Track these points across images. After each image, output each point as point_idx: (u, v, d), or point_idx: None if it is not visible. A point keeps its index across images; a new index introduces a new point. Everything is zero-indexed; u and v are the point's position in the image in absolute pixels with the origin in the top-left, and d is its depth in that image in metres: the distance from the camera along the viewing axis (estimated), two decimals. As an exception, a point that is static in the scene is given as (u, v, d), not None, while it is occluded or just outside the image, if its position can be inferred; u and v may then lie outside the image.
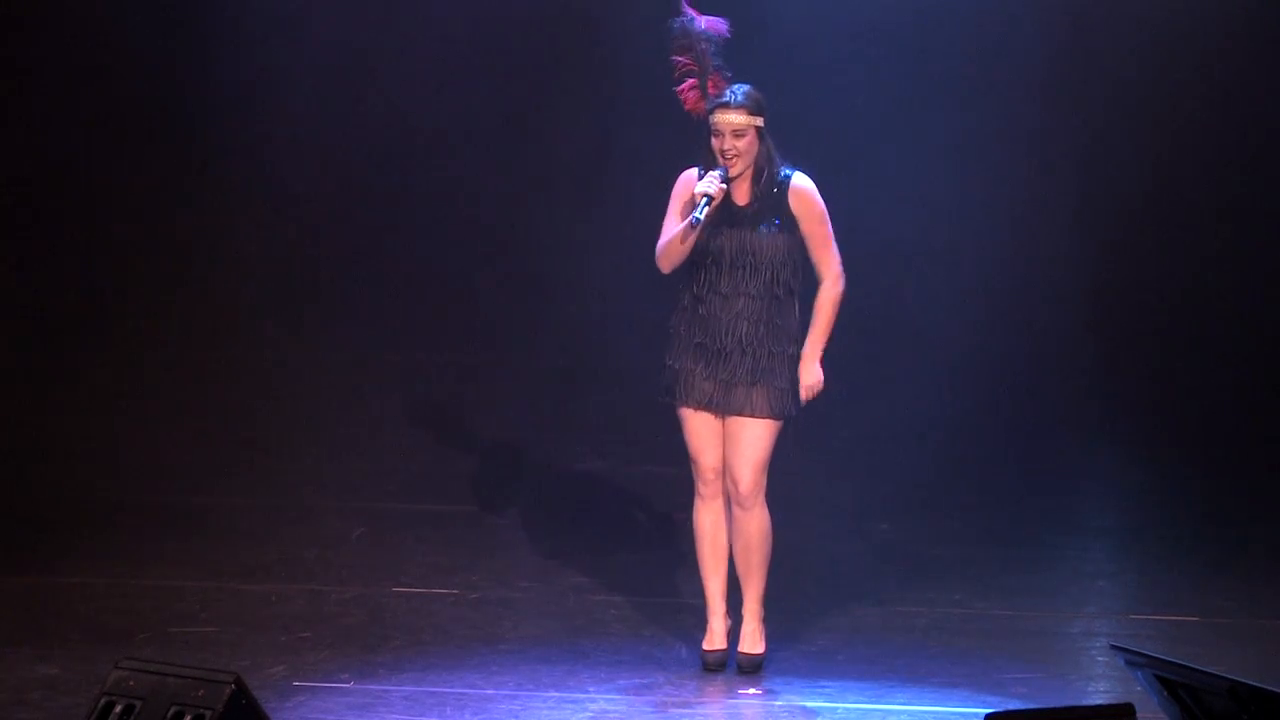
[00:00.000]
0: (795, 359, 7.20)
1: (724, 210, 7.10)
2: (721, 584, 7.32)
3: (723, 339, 7.13)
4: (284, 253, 10.56)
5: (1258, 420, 10.14)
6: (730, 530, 7.27)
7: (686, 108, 7.17)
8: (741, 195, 7.15)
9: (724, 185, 7.04)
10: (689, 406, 7.20)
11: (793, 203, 7.15)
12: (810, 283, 7.29)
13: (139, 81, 10.40)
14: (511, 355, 10.48)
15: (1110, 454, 10.12)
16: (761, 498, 7.19)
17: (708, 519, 7.28)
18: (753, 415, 7.13)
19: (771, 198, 7.13)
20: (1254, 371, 10.21)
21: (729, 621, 7.34)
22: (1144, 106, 10.19)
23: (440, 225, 10.43)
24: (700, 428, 7.21)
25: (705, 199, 7.00)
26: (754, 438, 7.15)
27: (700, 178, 7.12)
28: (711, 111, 7.11)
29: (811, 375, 7.19)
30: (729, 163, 7.07)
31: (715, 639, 7.31)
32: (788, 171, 7.17)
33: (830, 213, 7.26)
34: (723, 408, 7.17)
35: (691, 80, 7.17)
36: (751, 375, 7.12)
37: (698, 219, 6.99)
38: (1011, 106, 10.11)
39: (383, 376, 10.52)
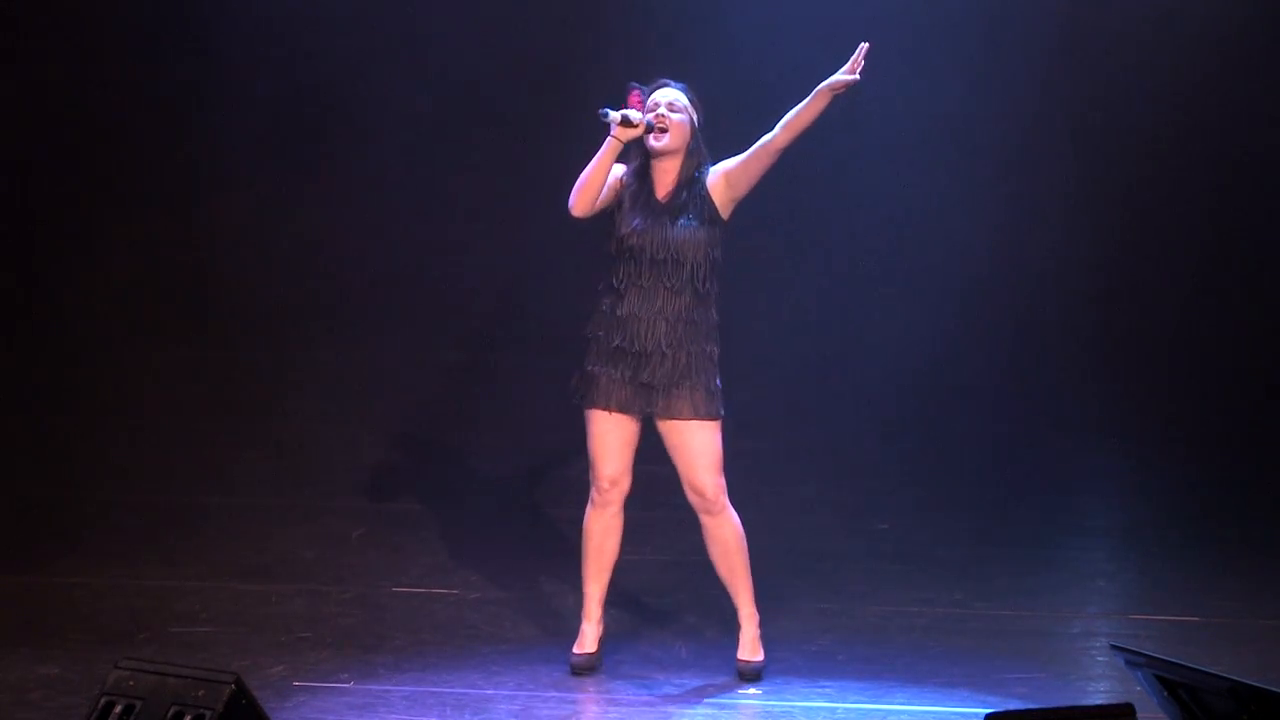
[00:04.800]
0: (713, 359, 7.12)
1: (644, 204, 7.07)
2: (601, 590, 7.27)
3: (642, 340, 7.05)
4: (283, 254, 10.56)
5: (1258, 420, 10.14)
6: (619, 537, 7.22)
7: (624, 105, 7.11)
8: (663, 188, 7.10)
9: (640, 123, 6.97)
10: (600, 408, 7.10)
11: (716, 187, 7.08)
12: (729, 288, 7.25)
13: (145, 81, 10.41)
14: (512, 356, 10.48)
15: (1110, 454, 10.12)
16: (726, 499, 7.15)
17: (598, 525, 7.22)
18: (694, 418, 7.06)
19: (692, 194, 7.07)
20: (1254, 371, 10.21)
21: (602, 628, 7.30)
22: (1146, 104, 10.18)
23: (444, 225, 10.43)
24: (607, 434, 7.12)
25: (623, 114, 6.96)
26: (704, 442, 7.09)
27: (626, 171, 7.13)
28: (649, 95, 7.11)
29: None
30: (658, 125, 7.02)
31: (585, 643, 7.26)
32: (705, 172, 7.12)
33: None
34: (641, 411, 7.09)
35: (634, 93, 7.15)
36: (672, 376, 7.04)
37: (606, 112, 6.94)
38: (1009, 102, 10.10)
39: (383, 377, 10.52)
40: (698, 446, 7.09)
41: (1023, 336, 10.28)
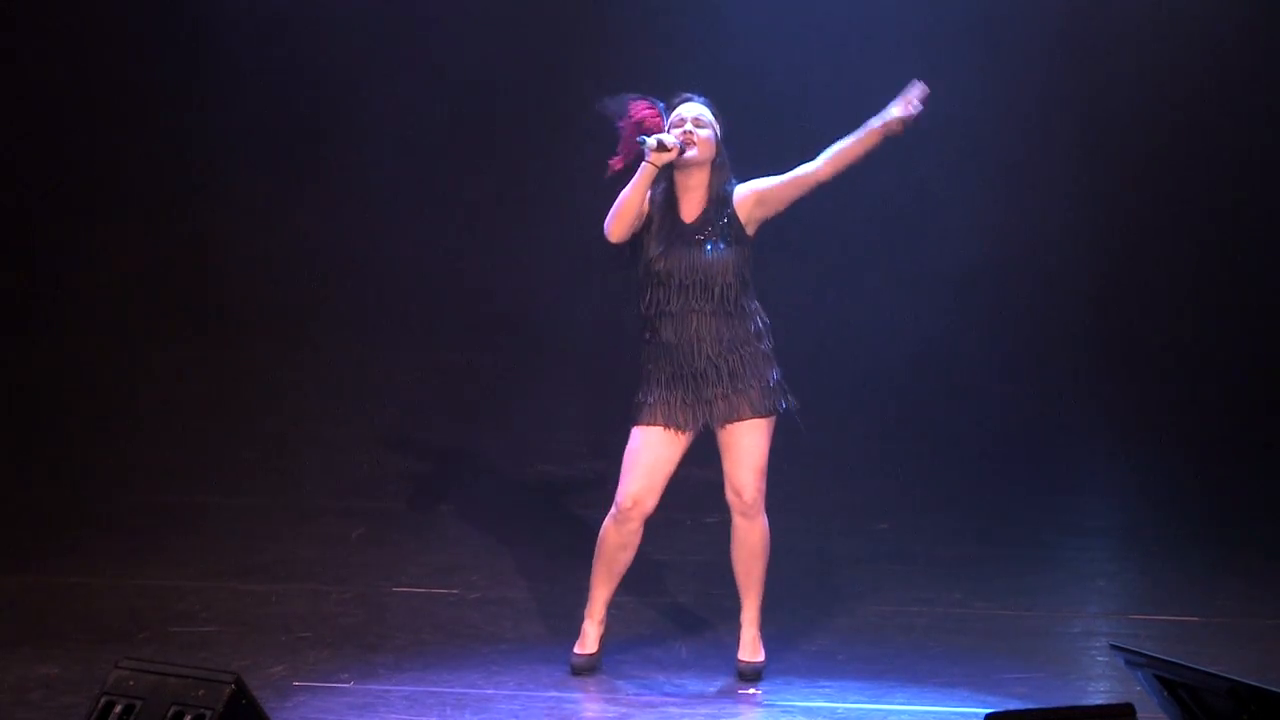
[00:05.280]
0: (767, 355, 7.11)
1: (671, 228, 7.02)
2: (608, 594, 7.22)
3: (695, 361, 7.03)
4: (282, 253, 10.56)
5: (1258, 420, 10.15)
6: (634, 552, 7.15)
7: (646, 125, 7.06)
8: (690, 212, 7.05)
9: (674, 147, 6.92)
10: (645, 424, 7.05)
11: (744, 205, 7.05)
12: (768, 299, 7.24)
13: (145, 81, 10.42)
14: (513, 356, 10.49)
15: (1110, 454, 10.12)
16: (763, 504, 7.12)
17: (614, 539, 7.14)
18: (749, 417, 7.05)
19: (720, 214, 7.03)
20: (1254, 371, 10.21)
21: (604, 629, 7.28)
22: (1146, 104, 10.18)
23: (444, 225, 10.43)
24: (642, 450, 7.06)
25: (658, 139, 6.91)
26: (752, 444, 7.07)
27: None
28: (671, 109, 7.06)
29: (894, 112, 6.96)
30: (687, 142, 6.96)
31: (587, 643, 7.23)
32: (731, 188, 7.09)
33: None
34: (700, 426, 7.07)
35: (641, 112, 7.11)
36: (732, 384, 7.03)
37: (644, 139, 6.90)
38: (1009, 102, 10.10)
39: (383, 377, 10.52)
40: (745, 446, 7.07)
41: (1022, 336, 10.28)
